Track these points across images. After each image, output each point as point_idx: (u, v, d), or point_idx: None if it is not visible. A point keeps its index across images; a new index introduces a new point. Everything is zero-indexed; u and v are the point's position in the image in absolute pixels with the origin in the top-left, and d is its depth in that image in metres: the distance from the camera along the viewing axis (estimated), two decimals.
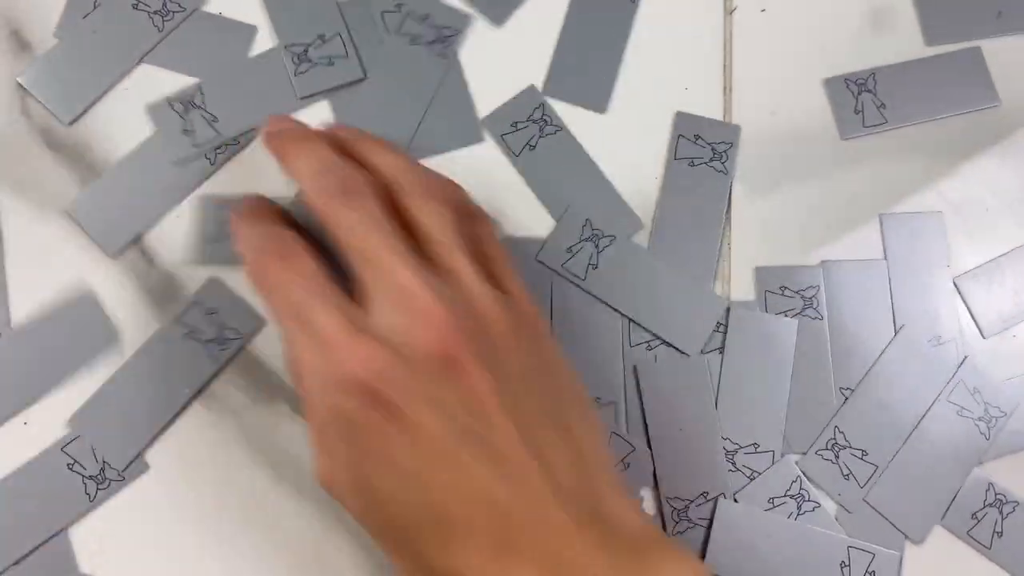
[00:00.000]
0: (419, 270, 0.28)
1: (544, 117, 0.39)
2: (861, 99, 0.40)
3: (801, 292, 0.38)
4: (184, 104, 0.38)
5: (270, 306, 0.30)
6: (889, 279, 0.39)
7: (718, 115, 0.40)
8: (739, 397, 0.37)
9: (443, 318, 0.27)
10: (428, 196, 0.30)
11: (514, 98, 0.39)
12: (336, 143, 0.33)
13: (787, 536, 0.36)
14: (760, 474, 0.37)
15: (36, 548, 0.35)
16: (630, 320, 0.38)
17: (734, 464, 0.37)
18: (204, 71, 0.38)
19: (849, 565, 0.36)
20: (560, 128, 0.39)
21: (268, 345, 0.37)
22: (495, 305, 0.29)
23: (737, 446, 0.37)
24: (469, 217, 0.32)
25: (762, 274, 0.39)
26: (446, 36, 0.39)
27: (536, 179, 0.39)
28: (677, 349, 0.38)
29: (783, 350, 0.38)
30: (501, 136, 0.39)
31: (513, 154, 0.39)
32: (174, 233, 0.38)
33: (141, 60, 0.38)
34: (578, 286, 0.38)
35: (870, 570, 0.36)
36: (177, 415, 0.37)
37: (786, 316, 0.38)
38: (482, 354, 0.27)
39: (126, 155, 0.38)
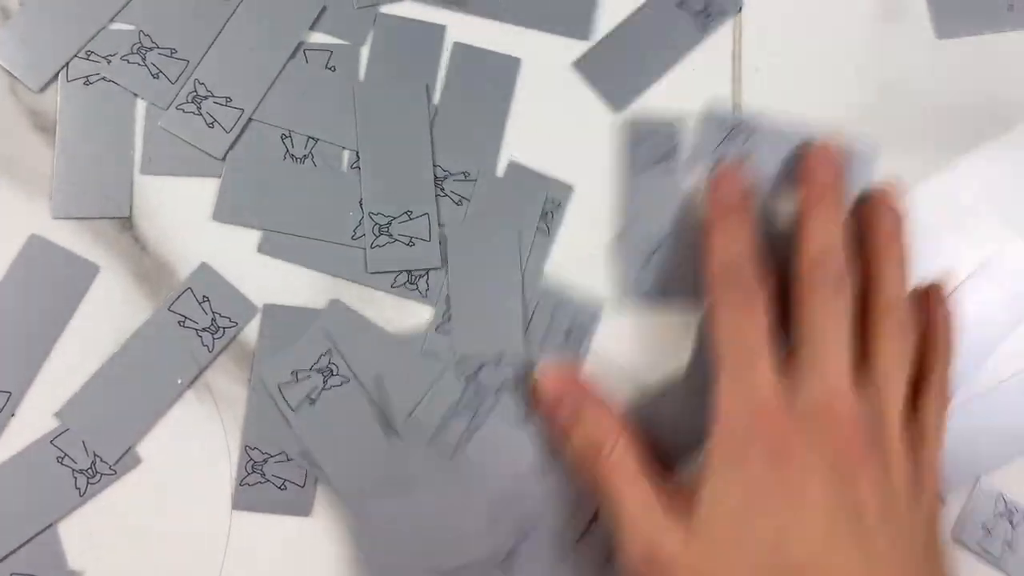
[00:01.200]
0: (853, 375, 0.31)
1: None
2: None
3: None
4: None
5: (715, 334, 0.32)
6: None
7: (727, 102, 0.39)
8: None
9: (857, 421, 0.30)
10: (901, 328, 0.33)
11: None
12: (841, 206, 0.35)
13: None
14: None
15: (24, 544, 0.34)
16: None
17: None
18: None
19: None
20: None
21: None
22: (901, 436, 0.31)
23: None
24: (932, 350, 0.34)
25: None
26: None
27: None
28: None
29: None
30: None
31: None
32: (167, 219, 0.37)
33: (113, 19, 0.37)
34: None
35: None
36: (170, 406, 0.35)
37: None
38: (874, 465, 0.30)
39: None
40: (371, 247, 0.36)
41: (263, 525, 0.35)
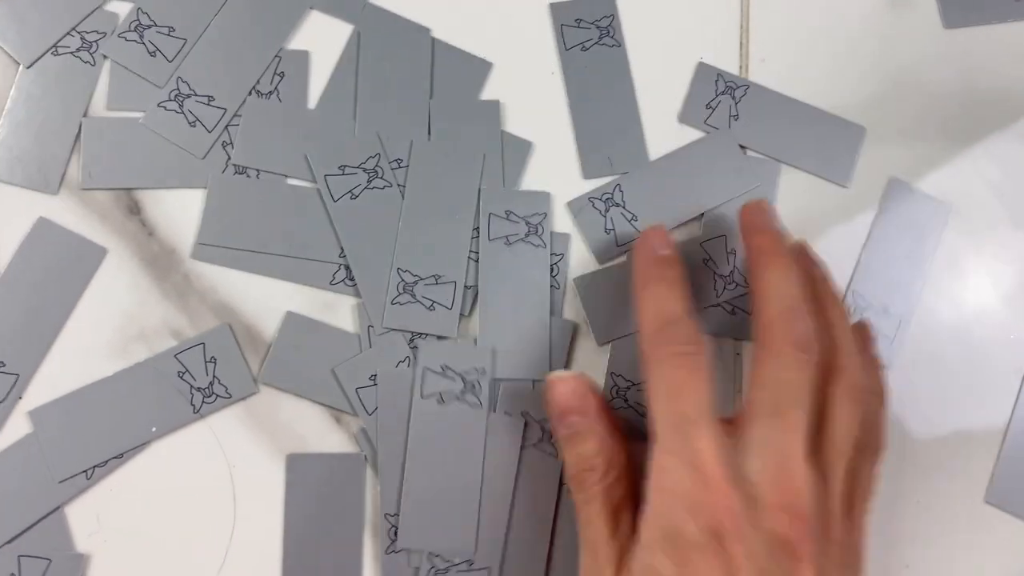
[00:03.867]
0: (808, 446, 0.28)
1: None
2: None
3: None
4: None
5: (652, 399, 0.29)
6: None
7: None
8: None
9: (807, 508, 0.28)
10: (856, 394, 0.31)
11: None
12: (805, 275, 0.33)
13: None
14: None
15: (31, 526, 0.34)
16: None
17: None
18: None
19: None
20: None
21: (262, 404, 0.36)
22: (842, 527, 0.29)
23: None
24: (871, 435, 0.32)
25: None
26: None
27: None
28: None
29: None
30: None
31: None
32: (174, 205, 0.37)
33: None
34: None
35: None
36: (132, 451, 0.35)
37: None
38: (816, 559, 0.27)
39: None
40: (391, 303, 0.36)
41: (271, 509, 0.35)
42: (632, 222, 0.38)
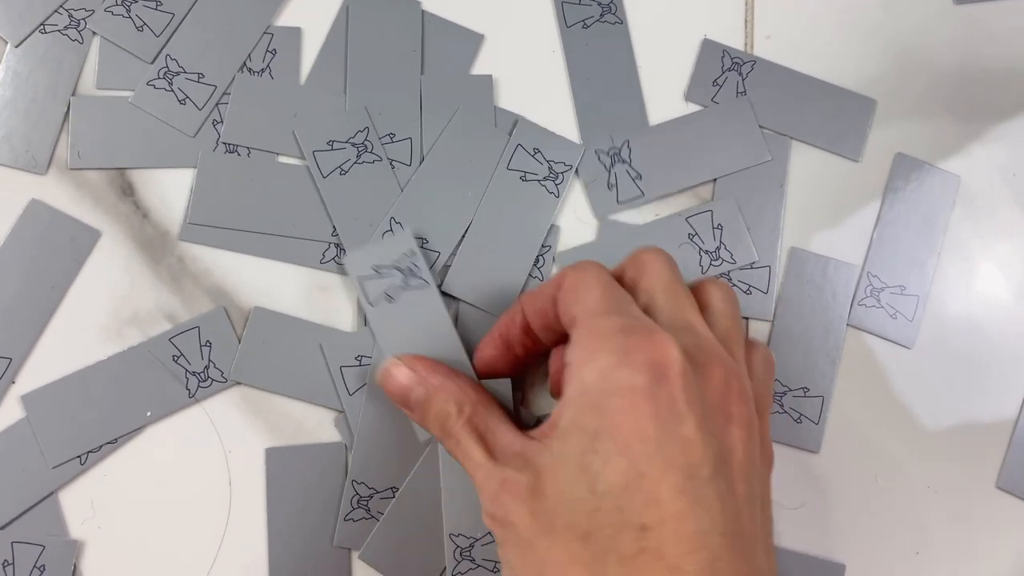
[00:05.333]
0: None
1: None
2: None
3: None
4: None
5: (582, 293, 0.28)
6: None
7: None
8: None
9: (727, 363, 0.28)
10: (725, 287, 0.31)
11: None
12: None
13: None
14: None
15: (24, 512, 0.34)
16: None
17: None
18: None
19: None
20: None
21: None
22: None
23: None
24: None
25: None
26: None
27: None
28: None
29: None
30: None
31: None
32: (168, 187, 0.36)
33: None
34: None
35: None
36: (127, 436, 0.35)
37: None
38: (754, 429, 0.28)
39: None
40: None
41: (260, 495, 0.35)
42: (636, 181, 0.37)
